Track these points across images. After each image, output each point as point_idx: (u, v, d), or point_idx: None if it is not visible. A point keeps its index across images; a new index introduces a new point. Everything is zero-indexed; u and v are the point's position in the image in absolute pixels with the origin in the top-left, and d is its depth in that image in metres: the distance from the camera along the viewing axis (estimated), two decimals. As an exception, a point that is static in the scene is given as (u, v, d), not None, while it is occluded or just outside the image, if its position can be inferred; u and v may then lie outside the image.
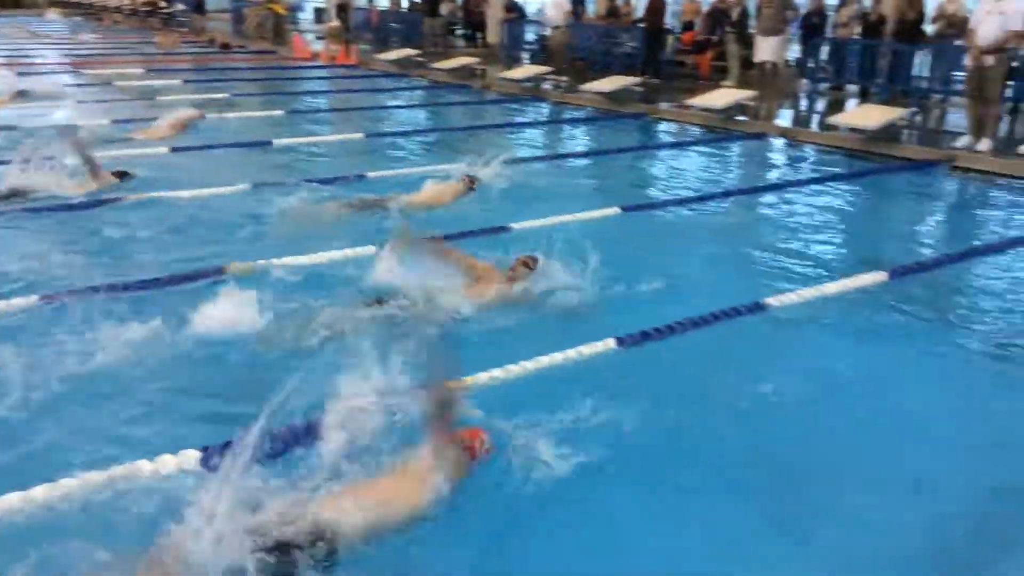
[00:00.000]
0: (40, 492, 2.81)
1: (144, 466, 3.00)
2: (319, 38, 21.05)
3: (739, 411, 3.70)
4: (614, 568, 2.75)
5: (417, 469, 2.84)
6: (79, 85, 13.97)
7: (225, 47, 21.35)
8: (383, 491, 2.78)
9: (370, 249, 5.29)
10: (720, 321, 4.31)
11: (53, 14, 35.11)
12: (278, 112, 11.51)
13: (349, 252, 5.44)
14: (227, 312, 4.25)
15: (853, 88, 13.37)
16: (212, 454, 3.02)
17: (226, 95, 12.92)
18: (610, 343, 3.91)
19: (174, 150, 8.87)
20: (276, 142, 9.41)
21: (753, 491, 3.17)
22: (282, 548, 2.50)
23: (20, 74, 15.02)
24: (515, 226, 6.31)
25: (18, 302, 4.52)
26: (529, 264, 4.63)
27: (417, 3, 21.91)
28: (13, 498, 2.80)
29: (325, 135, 9.94)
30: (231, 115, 11.15)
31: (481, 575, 2.73)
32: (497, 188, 7.86)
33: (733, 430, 3.58)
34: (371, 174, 7.78)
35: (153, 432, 3.41)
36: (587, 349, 3.84)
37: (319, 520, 2.59)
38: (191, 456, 3.07)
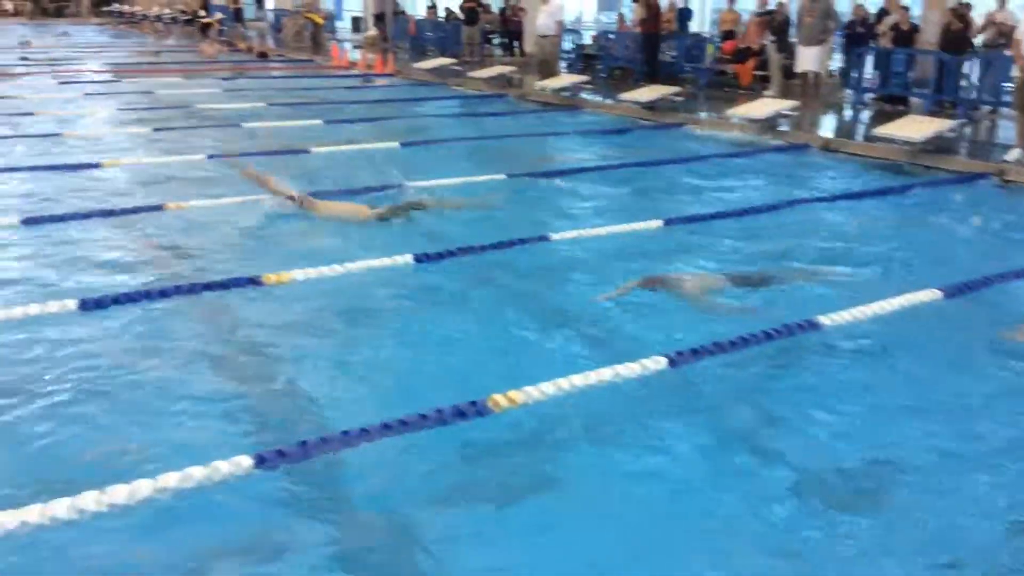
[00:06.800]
0: (90, 498, 2.78)
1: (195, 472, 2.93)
2: (356, 47, 21.16)
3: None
4: None
5: None
6: (120, 93, 14.14)
7: (263, 56, 21.53)
8: None
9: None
10: (773, 339, 4.17)
11: (95, 23, 35.78)
12: (316, 121, 11.53)
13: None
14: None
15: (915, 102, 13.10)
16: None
17: (264, 104, 12.98)
18: (661, 361, 3.79)
19: (210, 157, 8.90)
20: (313, 150, 9.40)
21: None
22: None
23: (63, 83, 15.33)
24: (555, 236, 6.21)
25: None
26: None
27: (454, 12, 21.93)
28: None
29: (361, 143, 9.92)
30: (269, 124, 11.18)
31: None
32: (534, 198, 7.80)
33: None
34: (409, 184, 7.71)
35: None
36: (636, 366, 3.72)
37: None
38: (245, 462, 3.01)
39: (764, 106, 11.69)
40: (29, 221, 6.34)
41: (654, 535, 2.98)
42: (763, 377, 4.15)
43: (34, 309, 4.49)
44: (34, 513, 2.73)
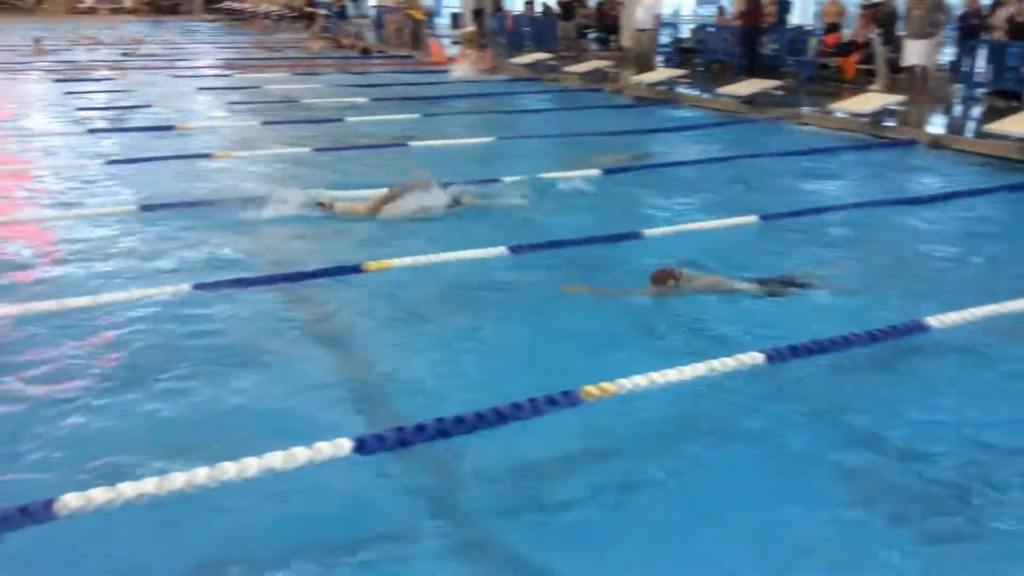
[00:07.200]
0: (203, 473, 2.88)
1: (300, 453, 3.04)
2: (455, 43, 21.41)
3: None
4: None
5: None
6: (230, 88, 14.70)
7: (365, 52, 22.01)
8: None
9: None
10: (877, 341, 4.07)
11: (207, 19, 37.26)
12: (415, 115, 11.75)
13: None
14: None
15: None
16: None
17: (365, 99, 13.29)
18: (758, 357, 3.75)
19: (316, 150, 9.19)
20: (411, 144, 9.59)
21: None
22: None
23: (177, 77, 16.04)
24: (647, 232, 6.18)
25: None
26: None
27: (551, 8, 21.96)
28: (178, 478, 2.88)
29: (458, 138, 10.07)
30: (370, 118, 11.45)
31: None
32: (627, 194, 7.77)
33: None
34: (506, 178, 7.79)
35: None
36: (732, 362, 3.70)
37: None
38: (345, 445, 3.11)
39: (869, 101, 11.34)
40: (146, 207, 6.69)
41: (739, 533, 2.97)
42: (864, 378, 4.08)
43: (152, 291, 4.75)
44: (150, 486, 2.85)
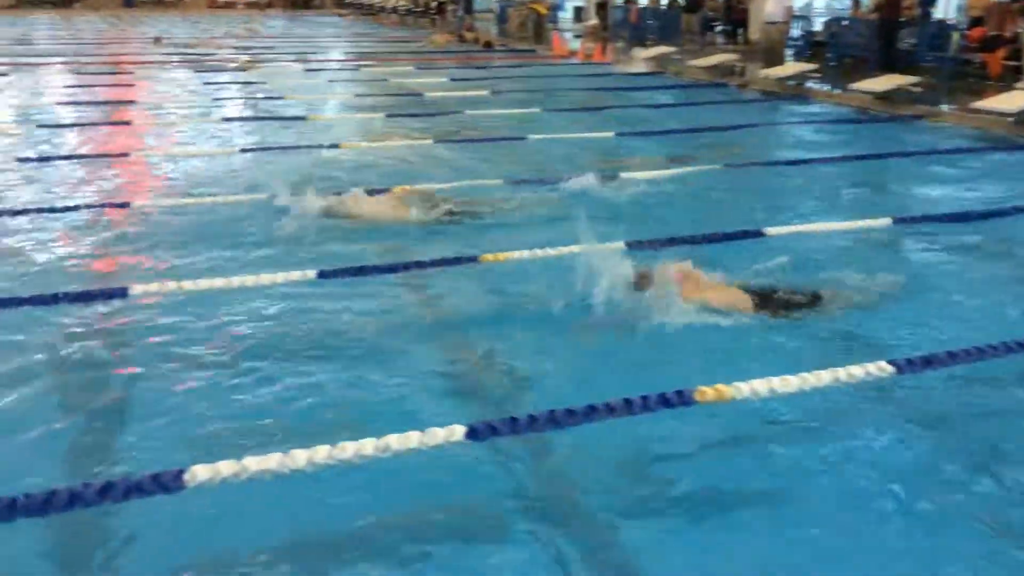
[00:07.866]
0: (322, 452, 2.94)
1: (413, 436, 3.07)
2: (577, 36, 21.36)
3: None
4: None
5: None
6: (358, 81, 15.13)
7: (488, 46, 22.24)
8: None
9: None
10: (1014, 352, 3.83)
11: (336, 14, 38.50)
12: (535, 109, 11.78)
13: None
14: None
15: None
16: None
17: (487, 92, 13.41)
18: (885, 367, 3.58)
19: (437, 141, 9.34)
20: (530, 137, 9.61)
21: None
22: None
23: (308, 70, 16.62)
24: (770, 231, 6.00)
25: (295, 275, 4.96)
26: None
27: (676, 0, 21.62)
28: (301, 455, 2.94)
29: (577, 132, 10.03)
30: (491, 111, 11.55)
31: None
32: (751, 190, 7.56)
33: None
34: (624, 175, 7.70)
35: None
36: (858, 370, 3.54)
37: None
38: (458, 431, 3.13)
39: (1015, 99, 10.65)
40: (276, 195, 6.92)
41: (849, 554, 2.84)
42: (1003, 395, 3.84)
43: (279, 277, 4.93)
44: (273, 461, 2.95)
